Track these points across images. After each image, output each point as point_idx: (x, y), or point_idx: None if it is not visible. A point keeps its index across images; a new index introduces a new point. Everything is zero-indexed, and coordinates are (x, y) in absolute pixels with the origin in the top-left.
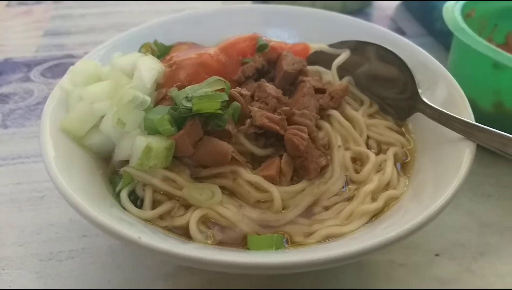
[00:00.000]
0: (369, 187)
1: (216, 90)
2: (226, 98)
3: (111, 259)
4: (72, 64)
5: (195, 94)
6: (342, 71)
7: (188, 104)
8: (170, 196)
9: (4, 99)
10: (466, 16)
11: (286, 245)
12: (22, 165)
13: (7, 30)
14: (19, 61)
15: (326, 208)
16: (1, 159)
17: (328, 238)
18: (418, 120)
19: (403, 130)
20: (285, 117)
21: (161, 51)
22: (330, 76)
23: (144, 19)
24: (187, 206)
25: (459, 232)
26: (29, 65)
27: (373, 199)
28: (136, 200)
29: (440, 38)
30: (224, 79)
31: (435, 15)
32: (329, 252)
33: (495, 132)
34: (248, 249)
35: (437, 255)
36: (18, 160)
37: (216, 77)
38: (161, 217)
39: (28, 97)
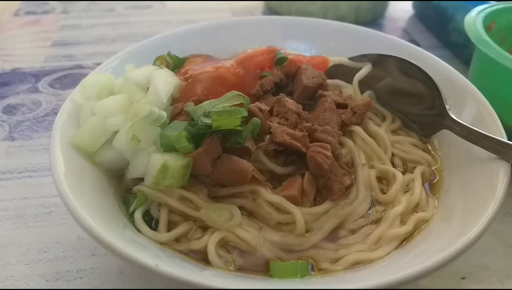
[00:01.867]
0: (398, 209)
1: (235, 105)
2: (246, 113)
3: (122, 281)
4: (81, 74)
5: (214, 110)
6: (362, 85)
7: (208, 121)
8: (186, 217)
9: (12, 110)
10: (487, 28)
11: (312, 273)
12: (29, 179)
13: (15, 40)
14: (27, 72)
15: (353, 232)
16: (7, 172)
17: (356, 264)
18: (444, 137)
19: (429, 147)
20: (307, 133)
21: (175, 64)
22: (350, 90)
23: (154, 29)
24: (204, 228)
25: (484, 254)
26: (37, 75)
27: (402, 222)
28: (151, 221)
29: (456, 50)
30: (243, 94)
31: (450, 26)
32: (360, 283)
33: None
34: (271, 276)
35: (463, 278)
36: (25, 174)
37: (235, 92)
38: (177, 239)
39: (36, 109)
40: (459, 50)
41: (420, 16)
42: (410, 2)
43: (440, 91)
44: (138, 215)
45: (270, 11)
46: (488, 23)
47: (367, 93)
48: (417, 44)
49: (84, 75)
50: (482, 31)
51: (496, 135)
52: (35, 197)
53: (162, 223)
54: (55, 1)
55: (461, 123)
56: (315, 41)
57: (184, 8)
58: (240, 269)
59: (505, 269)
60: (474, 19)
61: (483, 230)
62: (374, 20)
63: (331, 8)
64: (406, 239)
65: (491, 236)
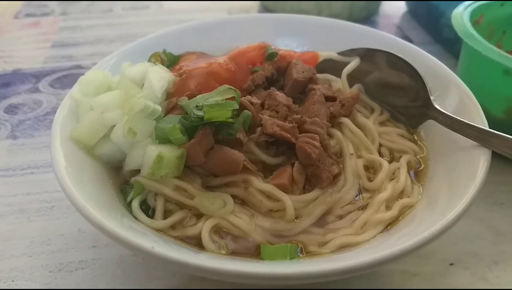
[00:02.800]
0: (383, 195)
1: (226, 99)
2: (237, 106)
3: (121, 270)
4: (81, 74)
5: (206, 103)
6: (352, 79)
7: (199, 113)
8: (181, 206)
9: (13, 110)
10: (474, 23)
11: (301, 255)
12: (31, 175)
13: (15, 42)
14: (27, 72)
15: (340, 217)
16: (10, 169)
17: (343, 247)
18: (430, 127)
19: (416, 137)
20: (296, 125)
21: (170, 61)
22: (340, 84)
23: (151, 29)
24: (199, 215)
25: (472, 241)
26: (38, 76)
27: (388, 207)
28: (148, 209)
29: (447, 45)
30: (234, 88)
31: (442, 22)
32: (345, 262)
33: (511, 138)
34: (262, 259)
35: (451, 264)
36: (27, 171)
37: (226, 86)
38: (173, 226)
39: (37, 108)
40: (450, 45)
41: (413, 12)
42: None
43: (425, 83)
44: (135, 204)
45: (265, 10)
46: (476, 18)
47: (356, 86)
48: (410, 40)
49: (84, 75)
50: (468, 25)
51: (478, 123)
52: (37, 193)
53: (159, 211)
54: (55, 2)
55: (445, 113)
56: (306, 37)
57: (180, 8)
58: (233, 253)
59: (493, 255)
60: (461, 14)
61: (461, 212)
62: (368, 17)
63: (325, 6)
64: (391, 223)
65: (480, 224)
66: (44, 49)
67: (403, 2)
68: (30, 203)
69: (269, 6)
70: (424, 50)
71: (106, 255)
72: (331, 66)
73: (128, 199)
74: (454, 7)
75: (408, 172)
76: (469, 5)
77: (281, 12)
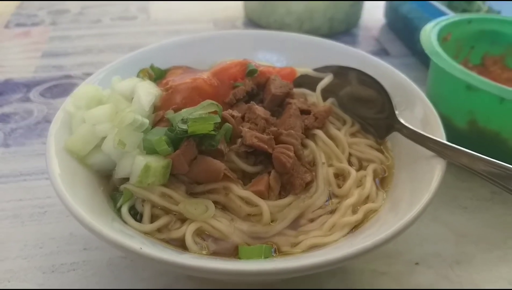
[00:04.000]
0: (350, 201)
1: (209, 113)
2: (219, 120)
3: (111, 271)
4: (71, 84)
5: (190, 117)
6: (326, 93)
7: (184, 126)
8: (167, 211)
9: (6, 119)
10: (443, 40)
11: (274, 255)
12: (24, 182)
13: (6, 51)
14: (19, 82)
15: (311, 220)
16: (3, 176)
17: (312, 247)
18: (396, 138)
19: (382, 148)
20: (273, 137)
21: (157, 75)
22: (315, 98)
23: (139, 40)
24: (183, 220)
25: (436, 242)
26: (29, 85)
27: (354, 211)
28: (136, 214)
29: (422, 58)
30: (216, 103)
31: (417, 36)
32: (312, 259)
33: (463, 150)
34: (239, 258)
35: (417, 263)
36: (20, 178)
37: (209, 101)
38: (159, 230)
39: (28, 117)
40: (425, 58)
41: (391, 25)
42: (382, 11)
43: (391, 98)
44: (124, 210)
45: (250, 22)
46: (444, 35)
47: (330, 100)
48: (387, 53)
49: (73, 84)
50: (435, 43)
51: (438, 136)
52: (30, 199)
53: (146, 216)
54: (44, 11)
55: (407, 126)
56: (285, 52)
57: (167, 19)
58: (214, 253)
59: (455, 255)
60: (429, 32)
61: (415, 217)
62: (347, 30)
63: (306, 20)
64: (356, 226)
65: (444, 227)
66: (35, 58)
67: (382, 15)
68: (23, 209)
69: (253, 18)
70: (400, 62)
71: (96, 257)
72: (307, 81)
73: (118, 205)
74: (427, 22)
75: (374, 179)
76: (437, 23)
77: (265, 24)
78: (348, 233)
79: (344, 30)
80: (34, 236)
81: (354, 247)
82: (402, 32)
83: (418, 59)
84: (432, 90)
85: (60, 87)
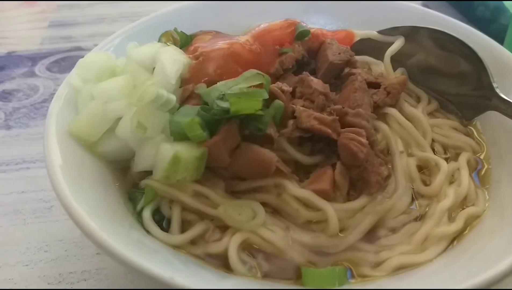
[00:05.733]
0: (445, 203)
1: (254, 86)
2: (267, 95)
3: (130, 282)
4: (80, 57)
5: (230, 92)
6: (393, 62)
7: (224, 104)
8: (202, 216)
9: (7, 97)
10: None
11: (351, 280)
12: (26, 171)
13: (10, 22)
14: (23, 55)
15: (394, 231)
16: (3, 164)
17: (400, 269)
18: (488, 119)
19: (473, 131)
20: (337, 117)
21: (182, 41)
22: (380, 67)
23: (157, 7)
24: (223, 228)
25: None
26: (34, 58)
27: (450, 218)
28: (162, 220)
29: (481, 26)
30: (262, 73)
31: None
32: None
33: None
34: (303, 284)
35: None
36: (22, 165)
37: (254, 71)
38: (192, 242)
39: (33, 94)
40: (485, 26)
41: None
42: None
43: (486, 67)
44: (147, 214)
45: None
46: None
47: (399, 70)
48: None
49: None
50: None
51: None
52: (33, 191)
53: (175, 223)
54: None
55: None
56: (336, 14)
57: None
58: (267, 276)
59: None
60: None
61: None
62: None
63: None
64: (456, 238)
65: None
66: (41, 29)
67: None
68: (26, 203)
69: None
70: None
71: (112, 263)
72: (370, 47)
73: (138, 207)
74: None
75: (470, 174)
76: None
77: None
78: (446, 248)
79: None
80: (38, 237)
81: (474, 277)
82: None
83: (476, 26)
84: None
85: (68, 60)
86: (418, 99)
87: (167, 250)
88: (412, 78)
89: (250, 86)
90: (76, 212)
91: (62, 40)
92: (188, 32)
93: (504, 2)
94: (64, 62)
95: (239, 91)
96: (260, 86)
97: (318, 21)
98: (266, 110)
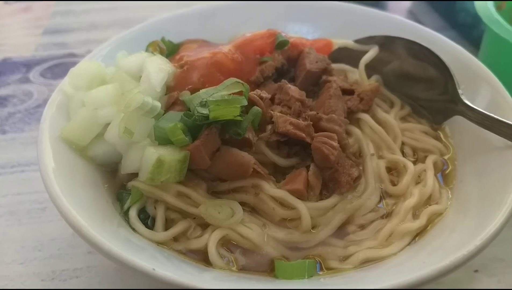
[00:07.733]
0: (411, 202)
1: (234, 94)
2: (246, 102)
3: (120, 279)
4: (74, 63)
5: (211, 99)
6: (368, 69)
7: (204, 111)
8: (185, 215)
9: (2, 102)
10: (497, 8)
11: (320, 272)
12: (21, 173)
13: (4, 28)
14: (17, 61)
15: (362, 227)
16: None
17: (366, 262)
18: (456, 123)
19: (440, 135)
20: (311, 122)
21: (169, 50)
22: (356, 75)
23: (150, 14)
24: (204, 225)
25: (497, 245)
26: (28, 65)
27: (415, 215)
28: (147, 219)
29: (463, 31)
30: (242, 81)
31: (457, 6)
32: (374, 284)
33: None
34: (276, 277)
35: (476, 271)
36: (17, 168)
37: (233, 79)
38: (175, 238)
39: (28, 100)
40: (467, 31)
41: None
42: None
43: (452, 74)
44: (133, 213)
45: None
46: (499, 3)
47: (374, 77)
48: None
49: (77, 64)
50: (493, 10)
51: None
52: (28, 193)
53: (159, 221)
54: None
55: (475, 109)
56: (318, 23)
57: None
58: (243, 269)
59: None
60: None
61: (502, 224)
62: (377, 0)
63: None
64: (419, 234)
65: (505, 227)
66: (35, 36)
67: None
68: (21, 204)
69: None
70: None
71: (103, 262)
72: (347, 55)
73: (125, 207)
74: None
75: (435, 174)
76: None
77: None
78: (409, 243)
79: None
80: (32, 237)
81: (427, 267)
82: (439, 3)
83: (458, 32)
84: (488, 65)
85: (62, 67)
86: (392, 105)
87: (152, 246)
88: (387, 84)
89: (230, 94)
90: (68, 212)
91: (56, 46)
92: (176, 41)
93: (477, 10)
94: (58, 68)
95: (219, 98)
96: (239, 93)
97: (301, 30)
98: (245, 116)
